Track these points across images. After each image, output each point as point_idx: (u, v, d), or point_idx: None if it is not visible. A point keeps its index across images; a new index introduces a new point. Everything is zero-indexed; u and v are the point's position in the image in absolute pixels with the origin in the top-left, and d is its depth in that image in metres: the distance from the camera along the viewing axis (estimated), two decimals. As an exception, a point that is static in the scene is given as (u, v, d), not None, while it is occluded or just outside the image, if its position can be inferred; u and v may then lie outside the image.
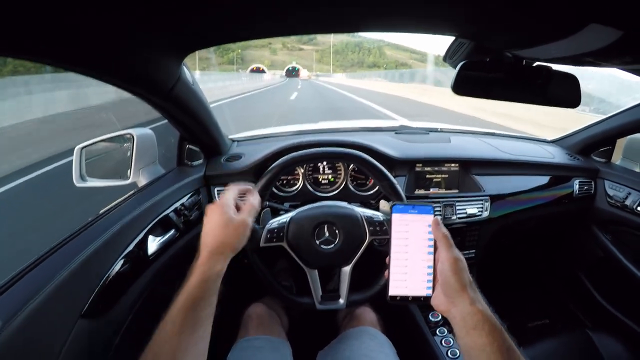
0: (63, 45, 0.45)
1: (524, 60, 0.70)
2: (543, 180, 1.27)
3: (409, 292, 0.52)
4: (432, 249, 0.52)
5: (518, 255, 1.61)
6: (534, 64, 0.71)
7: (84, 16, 0.42)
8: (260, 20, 0.53)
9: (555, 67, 0.72)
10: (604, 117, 1.30)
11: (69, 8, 0.39)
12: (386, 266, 0.70)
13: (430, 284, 0.51)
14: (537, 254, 1.66)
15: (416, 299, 0.51)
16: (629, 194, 1.21)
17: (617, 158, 1.39)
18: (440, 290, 0.50)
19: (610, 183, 1.27)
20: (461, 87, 0.67)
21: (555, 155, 1.34)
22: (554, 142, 1.49)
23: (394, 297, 0.52)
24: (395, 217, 0.54)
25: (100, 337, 0.66)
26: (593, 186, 1.31)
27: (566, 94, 0.76)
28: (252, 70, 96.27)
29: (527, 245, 1.58)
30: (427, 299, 0.51)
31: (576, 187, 1.28)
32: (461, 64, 0.65)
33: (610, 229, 1.31)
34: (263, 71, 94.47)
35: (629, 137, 1.34)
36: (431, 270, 0.51)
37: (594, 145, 1.36)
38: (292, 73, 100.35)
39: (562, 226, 1.46)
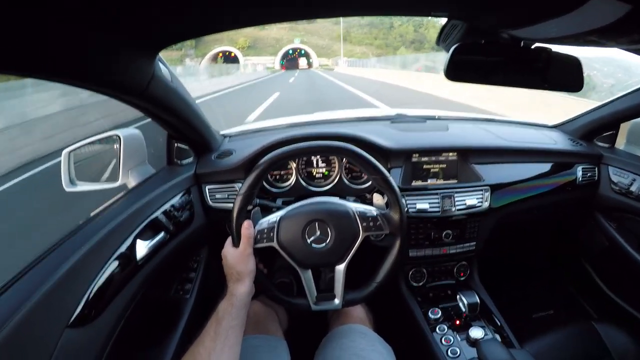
0: (25, 53, 0.42)
1: (522, 42, 0.66)
2: (545, 167, 1.22)
3: None
4: None
5: (521, 246, 1.57)
6: (533, 46, 0.67)
7: (45, 23, 0.40)
8: (230, 9, 0.50)
9: (556, 48, 0.69)
10: (606, 100, 1.26)
11: (30, 17, 0.37)
12: (384, 259, 0.68)
13: None
14: (540, 244, 1.63)
15: None
16: (634, 180, 1.17)
17: (620, 143, 1.35)
18: None
19: (615, 169, 1.23)
20: (454, 72, 0.64)
21: (557, 141, 1.29)
22: (555, 127, 1.44)
23: None
24: None
25: (89, 347, 0.63)
26: (597, 172, 1.26)
27: (568, 77, 0.72)
28: (215, 59, 55.73)
29: (530, 235, 1.55)
30: None
31: (579, 173, 1.23)
32: (454, 47, 0.61)
33: (615, 216, 1.28)
34: (235, 59, 58.33)
35: (633, 121, 1.30)
36: None
37: (597, 129, 1.31)
38: (293, 61, 66.81)
39: (566, 215, 1.42)
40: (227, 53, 61.84)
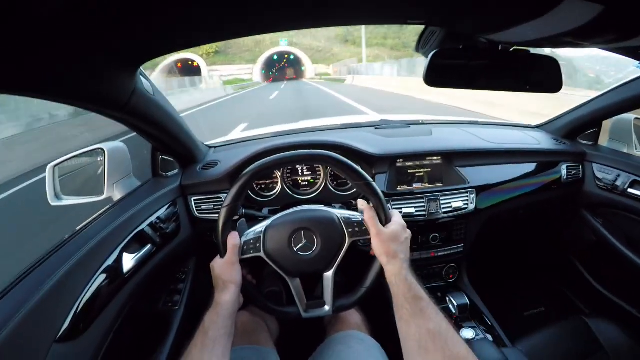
0: (2, 69, 0.42)
1: (500, 46, 0.67)
2: (529, 167, 1.24)
3: None
4: None
5: (509, 245, 1.59)
6: (511, 49, 0.68)
7: (23, 38, 0.39)
8: (212, 23, 0.50)
9: (534, 51, 0.70)
10: (587, 99, 1.28)
11: (6, 31, 0.37)
12: (370, 263, 0.67)
13: None
14: (528, 243, 1.64)
15: None
16: (618, 175, 1.19)
17: (603, 140, 1.38)
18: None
19: (599, 166, 1.25)
20: (433, 77, 0.64)
21: (541, 141, 1.31)
22: (538, 127, 1.47)
23: None
24: None
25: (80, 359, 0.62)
26: (581, 170, 1.29)
27: (547, 78, 0.73)
28: (172, 71, 38.92)
29: (517, 235, 1.56)
30: None
31: (564, 172, 1.25)
32: (432, 53, 0.62)
33: (601, 212, 1.30)
34: (197, 70, 43.46)
35: (614, 118, 1.33)
36: None
37: (579, 128, 1.34)
38: (282, 71, 57.95)
39: (552, 213, 1.44)
40: (189, 62, 45.19)
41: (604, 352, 0.97)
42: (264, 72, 52.95)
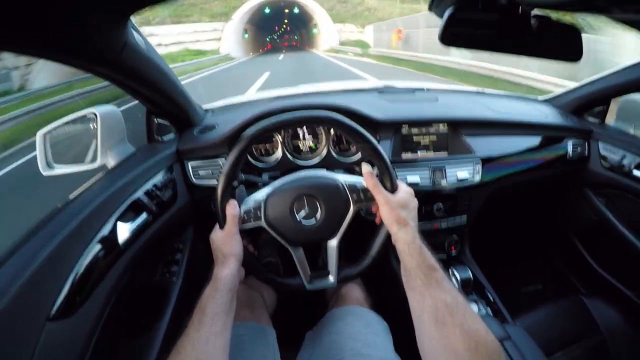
0: None
1: (520, 7, 0.63)
2: (534, 141, 1.21)
3: None
4: None
5: (510, 220, 1.58)
6: (532, 12, 0.64)
7: None
8: None
9: (556, 16, 0.66)
10: (598, 75, 1.24)
11: None
12: (376, 232, 0.65)
13: None
14: (529, 219, 1.64)
15: None
16: (624, 156, 1.17)
17: (610, 119, 1.35)
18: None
19: (605, 145, 1.23)
20: (448, 36, 0.60)
21: (548, 115, 1.28)
22: (545, 101, 1.43)
23: None
24: None
25: (74, 338, 0.60)
26: (587, 148, 1.26)
27: (566, 47, 0.69)
28: None
29: (519, 210, 1.55)
30: None
31: (570, 148, 1.23)
32: (449, 10, 0.58)
33: (604, 192, 1.28)
34: None
35: (623, 97, 1.29)
36: None
37: (587, 104, 1.30)
38: (273, 39, 43.84)
39: (555, 190, 1.42)
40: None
41: (599, 334, 0.97)
42: (246, 36, 30.14)
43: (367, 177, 0.67)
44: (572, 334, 0.98)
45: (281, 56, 22.00)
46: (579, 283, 1.45)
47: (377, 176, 0.68)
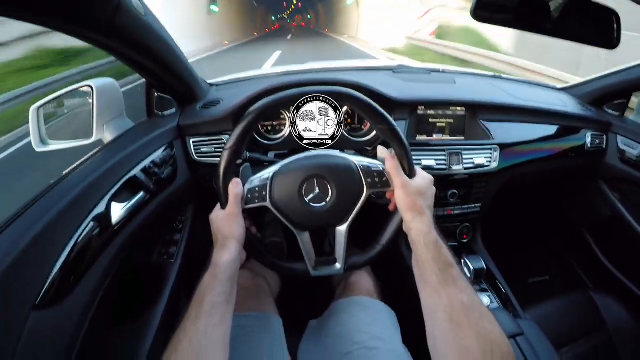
0: None
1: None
2: (552, 129, 1.17)
3: None
4: None
5: (522, 210, 1.54)
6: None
7: None
8: None
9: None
10: (621, 67, 1.18)
11: None
12: (389, 220, 0.64)
13: None
14: (542, 210, 1.60)
15: None
16: None
17: (629, 113, 1.30)
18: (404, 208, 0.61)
19: (624, 139, 1.18)
20: (482, 12, 0.56)
21: (567, 104, 1.23)
22: (564, 89, 1.37)
23: None
24: None
25: (62, 328, 0.56)
26: (605, 140, 1.22)
27: (604, 32, 0.64)
28: None
29: (532, 200, 1.52)
30: None
31: (588, 139, 1.18)
32: None
33: (620, 187, 1.25)
34: None
35: (644, 92, 1.24)
36: None
37: (607, 96, 1.25)
38: (276, 18, 34.91)
39: (570, 181, 1.38)
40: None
41: (606, 330, 0.96)
42: (213, 9, 15.39)
43: (388, 159, 0.63)
44: (579, 329, 0.96)
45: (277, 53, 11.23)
46: (587, 277, 1.43)
47: None
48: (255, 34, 26.93)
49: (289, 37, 22.68)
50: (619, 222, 1.22)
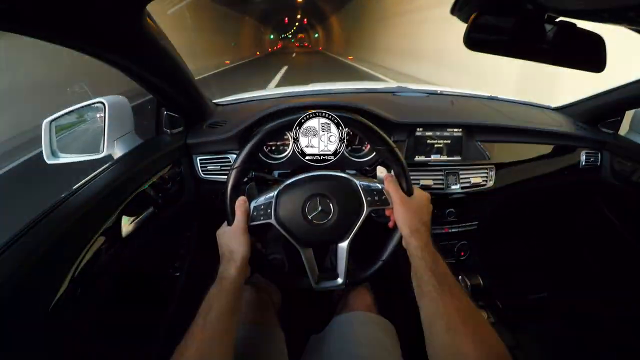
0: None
1: (546, 14, 0.61)
2: (547, 149, 1.20)
3: None
4: None
5: (519, 227, 1.56)
6: (557, 19, 0.62)
7: None
8: None
9: (581, 24, 0.64)
10: (613, 86, 1.22)
11: None
12: (389, 236, 0.69)
13: None
14: (539, 227, 1.62)
15: None
16: (637, 168, 1.15)
17: (623, 131, 1.33)
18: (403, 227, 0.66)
19: (618, 156, 1.21)
20: (473, 40, 0.59)
21: (562, 124, 1.26)
22: (558, 109, 1.41)
23: None
24: None
25: (74, 332, 0.59)
26: (599, 158, 1.25)
27: (590, 56, 0.68)
28: None
29: (530, 217, 1.54)
30: None
31: (582, 158, 1.22)
32: (475, 14, 0.56)
33: (615, 203, 1.27)
34: None
35: (637, 109, 1.27)
36: None
37: (601, 115, 1.28)
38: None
39: (566, 199, 1.41)
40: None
41: (605, 347, 0.96)
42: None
43: (387, 178, 0.68)
44: (578, 347, 0.97)
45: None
46: (585, 295, 1.44)
47: None
48: (258, 53, 26.08)
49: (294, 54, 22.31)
50: (616, 239, 1.24)
